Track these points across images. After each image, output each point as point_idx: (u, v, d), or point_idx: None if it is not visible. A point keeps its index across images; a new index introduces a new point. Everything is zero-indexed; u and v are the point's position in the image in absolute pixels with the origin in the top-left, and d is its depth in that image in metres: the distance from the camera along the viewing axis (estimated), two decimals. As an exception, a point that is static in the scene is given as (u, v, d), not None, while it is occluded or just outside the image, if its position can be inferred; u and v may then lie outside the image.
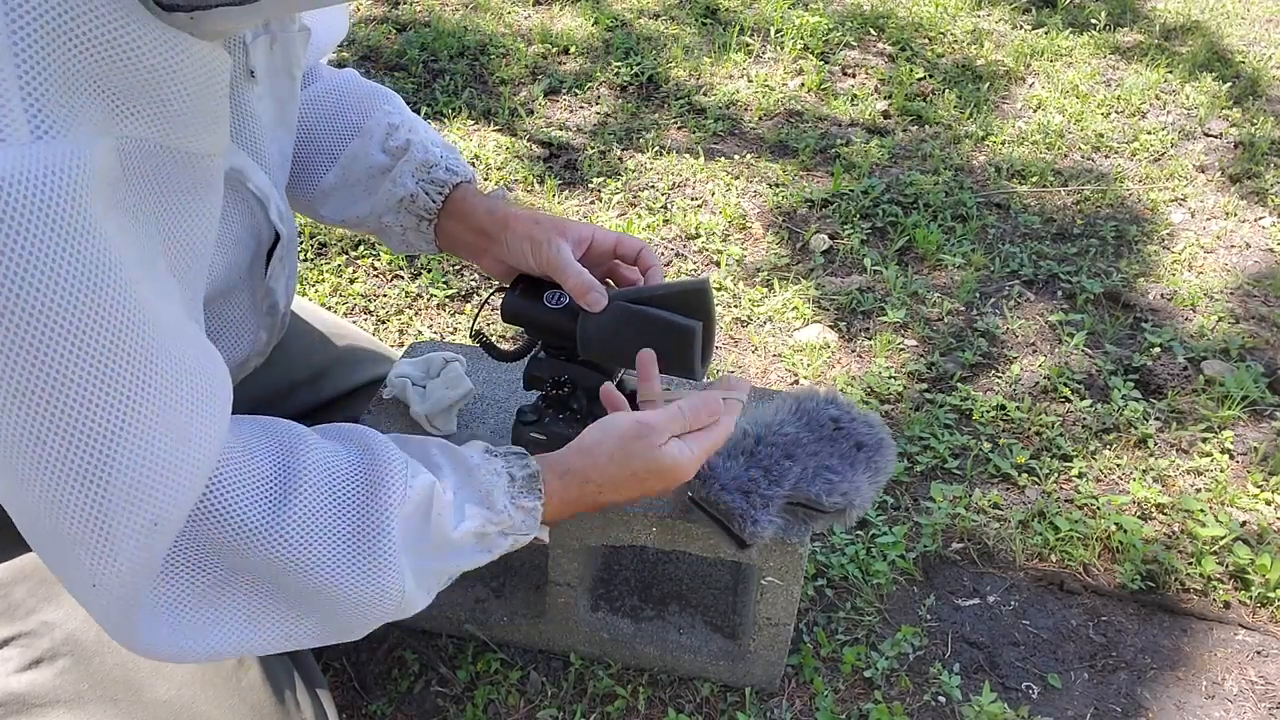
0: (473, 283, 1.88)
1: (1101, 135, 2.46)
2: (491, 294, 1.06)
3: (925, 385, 1.67)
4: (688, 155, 2.30)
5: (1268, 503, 1.46)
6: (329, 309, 1.77)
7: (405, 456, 0.75)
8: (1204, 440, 1.57)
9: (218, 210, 0.70)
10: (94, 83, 0.53)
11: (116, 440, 0.58)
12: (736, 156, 2.32)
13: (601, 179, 2.20)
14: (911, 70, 2.70)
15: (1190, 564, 1.35)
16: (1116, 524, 1.39)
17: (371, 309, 1.80)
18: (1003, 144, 2.42)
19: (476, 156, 2.25)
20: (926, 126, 2.49)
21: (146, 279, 0.59)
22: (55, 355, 0.54)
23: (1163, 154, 2.41)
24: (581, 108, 2.52)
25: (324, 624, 0.73)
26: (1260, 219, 2.18)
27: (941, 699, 1.17)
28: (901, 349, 1.76)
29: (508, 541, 0.81)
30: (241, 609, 0.69)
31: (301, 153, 0.98)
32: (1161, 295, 1.92)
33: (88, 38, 0.52)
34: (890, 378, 1.67)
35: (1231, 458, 1.54)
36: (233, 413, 0.69)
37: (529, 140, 2.34)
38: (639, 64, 2.67)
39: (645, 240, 2.01)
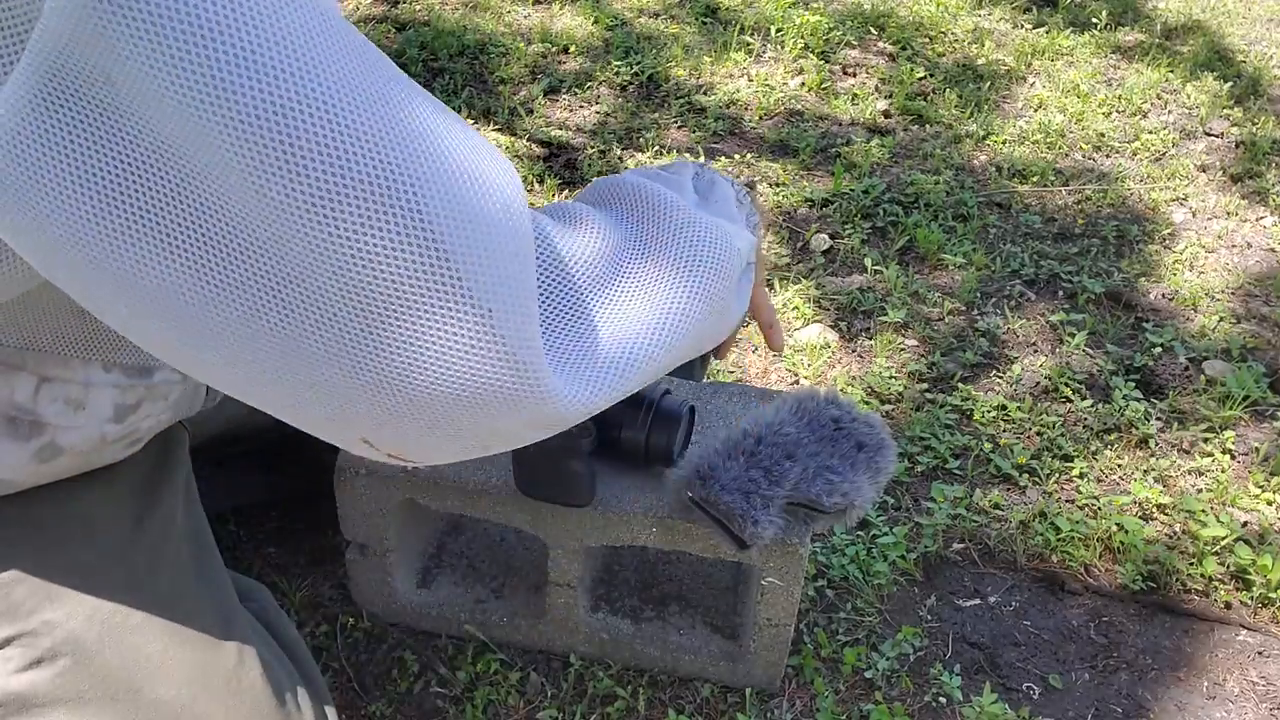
0: (473, 282, 1.88)
1: (1102, 135, 2.46)
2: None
3: (926, 385, 1.67)
4: (688, 155, 2.30)
5: (1269, 503, 1.45)
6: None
7: None
8: (1205, 440, 1.57)
9: None
10: None
11: (432, 122, 0.51)
12: (736, 156, 2.31)
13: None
14: (912, 70, 2.69)
15: (1191, 564, 1.35)
16: (1118, 524, 1.39)
17: (372, 309, 1.80)
18: (1003, 143, 2.42)
19: (477, 156, 2.25)
20: (927, 126, 2.49)
21: None
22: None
23: (1164, 154, 2.41)
24: (581, 107, 2.51)
25: (709, 284, 0.67)
26: (1261, 219, 2.18)
27: (942, 699, 1.17)
28: (902, 349, 1.75)
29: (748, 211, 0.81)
30: (637, 301, 0.63)
31: None
32: (1163, 295, 1.92)
33: None
34: (891, 378, 1.67)
35: (1233, 458, 1.54)
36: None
37: (529, 140, 2.34)
38: (639, 63, 2.67)
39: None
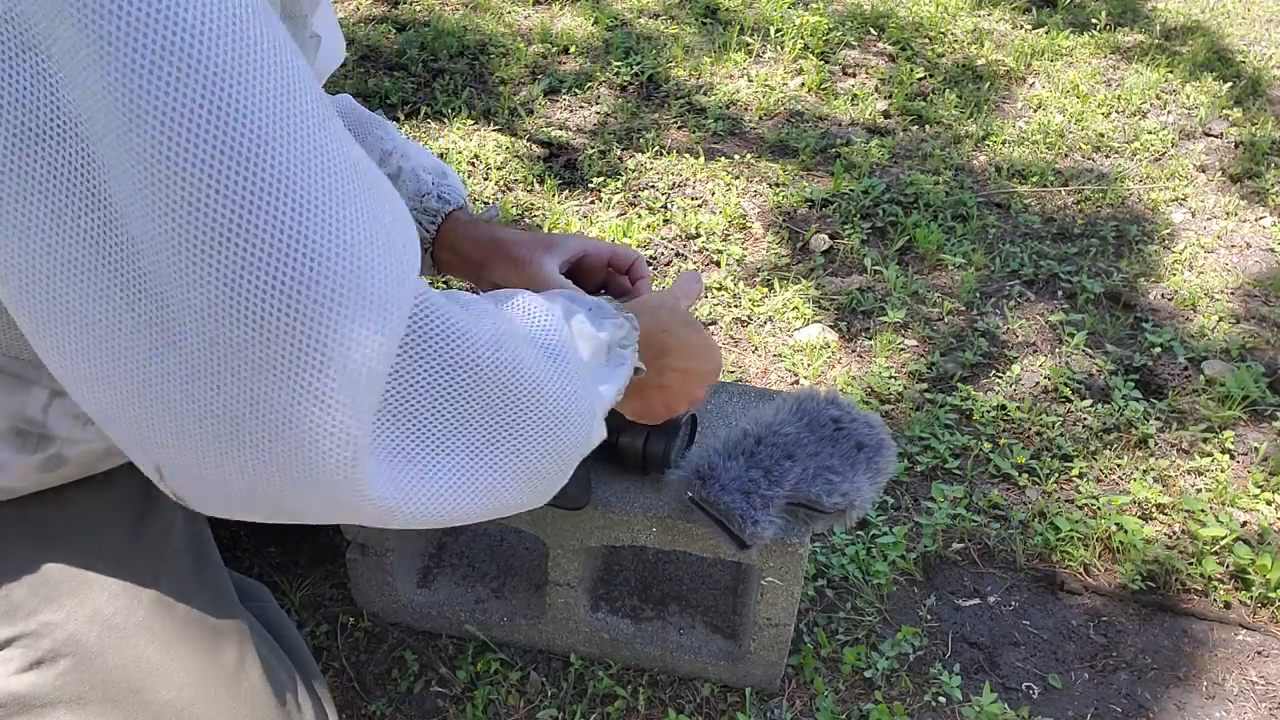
0: (473, 283, 1.88)
1: (1102, 135, 2.46)
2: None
3: (925, 385, 1.67)
4: (688, 155, 2.30)
5: (1268, 503, 1.46)
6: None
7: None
8: (1205, 440, 1.57)
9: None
10: None
11: (321, 204, 0.49)
12: (736, 156, 2.31)
13: (601, 179, 2.20)
14: (912, 70, 2.70)
15: (1191, 564, 1.35)
16: (1117, 524, 1.39)
17: (372, 309, 1.80)
18: (1003, 144, 2.42)
19: (476, 156, 2.25)
20: (927, 126, 2.49)
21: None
22: (240, 109, 0.47)
23: (1163, 154, 2.41)
24: (581, 108, 2.51)
25: (533, 463, 0.66)
26: (1261, 219, 2.18)
27: (942, 699, 1.17)
28: (902, 349, 1.76)
29: (628, 355, 0.78)
30: (460, 460, 0.62)
31: None
32: (1162, 295, 1.92)
33: None
34: (890, 378, 1.67)
35: (1232, 458, 1.54)
36: None
37: (529, 140, 2.34)
38: (639, 64, 2.67)
39: (646, 240, 2.01)
